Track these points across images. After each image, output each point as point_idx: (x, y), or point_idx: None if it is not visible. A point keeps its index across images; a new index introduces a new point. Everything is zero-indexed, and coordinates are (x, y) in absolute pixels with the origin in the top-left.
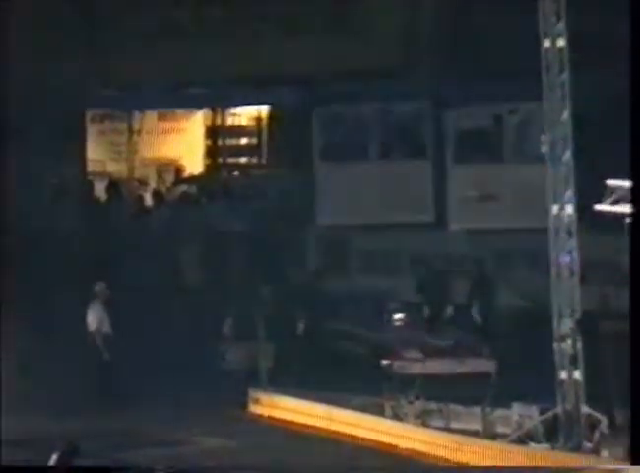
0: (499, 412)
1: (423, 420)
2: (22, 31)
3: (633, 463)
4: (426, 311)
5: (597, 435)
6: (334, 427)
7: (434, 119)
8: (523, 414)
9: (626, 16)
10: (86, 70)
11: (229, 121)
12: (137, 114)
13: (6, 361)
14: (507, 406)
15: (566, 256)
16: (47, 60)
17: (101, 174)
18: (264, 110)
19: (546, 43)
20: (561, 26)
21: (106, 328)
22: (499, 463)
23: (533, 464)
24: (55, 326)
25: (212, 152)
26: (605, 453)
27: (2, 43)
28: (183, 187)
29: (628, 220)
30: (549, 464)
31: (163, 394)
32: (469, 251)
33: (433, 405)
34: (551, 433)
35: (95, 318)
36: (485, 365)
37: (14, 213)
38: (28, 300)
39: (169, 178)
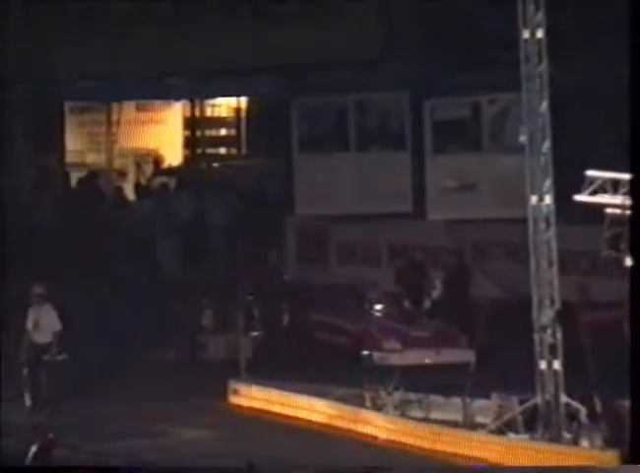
0: (479, 402)
1: (403, 410)
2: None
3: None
4: (405, 302)
5: (576, 424)
6: (314, 418)
7: (413, 110)
8: (503, 404)
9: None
10: (64, 61)
11: (208, 112)
12: (116, 106)
13: None
14: (487, 396)
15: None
16: (28, 50)
17: (80, 165)
18: (243, 101)
19: (525, 34)
20: (540, 16)
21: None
22: (477, 454)
23: (512, 454)
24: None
25: (191, 143)
26: (584, 443)
27: None
28: (162, 178)
29: (608, 210)
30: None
31: (144, 387)
32: (447, 242)
33: (412, 396)
34: (531, 423)
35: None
36: (464, 355)
37: None
38: None
39: (148, 169)
